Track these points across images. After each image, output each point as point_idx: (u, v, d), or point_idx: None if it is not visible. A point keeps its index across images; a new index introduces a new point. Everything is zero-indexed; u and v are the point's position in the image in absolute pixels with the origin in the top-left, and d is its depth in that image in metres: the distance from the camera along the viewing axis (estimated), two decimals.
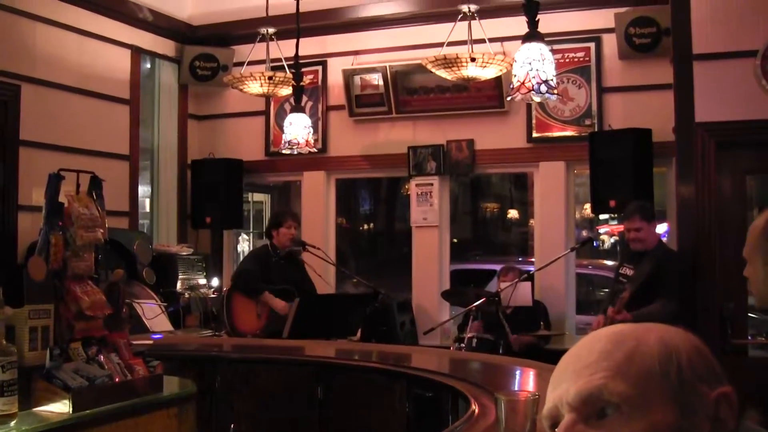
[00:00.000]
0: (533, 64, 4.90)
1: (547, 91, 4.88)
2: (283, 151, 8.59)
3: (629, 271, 7.24)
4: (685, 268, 7.33)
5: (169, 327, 7.58)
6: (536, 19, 5.11)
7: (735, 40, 7.19)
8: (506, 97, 5.18)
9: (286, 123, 8.33)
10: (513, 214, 20.72)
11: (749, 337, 7.29)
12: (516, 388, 4.26)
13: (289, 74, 8.53)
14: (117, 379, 3.91)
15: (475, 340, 7.78)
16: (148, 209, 10.47)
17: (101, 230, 4.05)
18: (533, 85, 4.85)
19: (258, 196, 12.48)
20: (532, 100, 5.11)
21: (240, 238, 12.02)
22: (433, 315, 9.35)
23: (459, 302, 8.63)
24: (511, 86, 5.03)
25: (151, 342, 5.98)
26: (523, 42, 5.07)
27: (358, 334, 8.15)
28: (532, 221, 11.24)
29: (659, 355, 1.39)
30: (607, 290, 8.96)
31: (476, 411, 3.50)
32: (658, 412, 1.35)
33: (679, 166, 7.48)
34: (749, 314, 7.50)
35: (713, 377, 1.40)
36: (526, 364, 5.25)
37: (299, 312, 7.24)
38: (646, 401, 1.35)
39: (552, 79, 4.95)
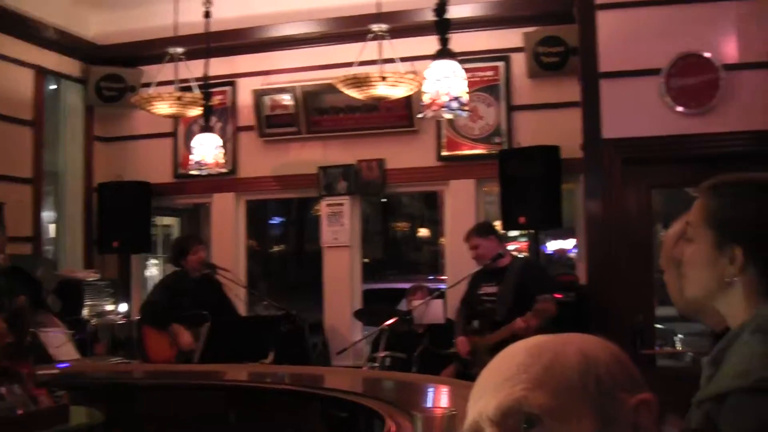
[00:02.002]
0: (444, 81, 4.91)
1: (458, 108, 4.89)
2: (192, 172, 8.49)
3: (492, 288, 7.36)
4: (549, 273, 8.00)
5: (76, 355, 7.37)
6: (447, 36, 5.11)
7: (640, 59, 7.34)
8: (418, 114, 5.17)
9: (195, 143, 8.22)
10: (424, 232, 20.82)
11: (657, 347, 7.41)
12: (430, 406, 4.23)
13: (198, 94, 8.44)
14: (20, 412, 3.79)
15: (388, 359, 7.75)
16: (53, 234, 10.25)
17: (2, 256, 3.94)
18: (445, 102, 4.84)
19: (167, 220, 12.32)
20: (443, 116, 5.11)
21: (148, 262, 11.84)
22: (345, 335, 9.31)
23: (371, 322, 8.59)
24: (423, 103, 5.02)
25: (57, 371, 5.83)
26: (435, 59, 5.07)
27: (271, 356, 8.07)
28: (442, 239, 11.25)
29: (578, 365, 1.37)
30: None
31: (392, 430, 3.47)
32: (579, 422, 1.33)
33: (587, 182, 7.59)
34: (656, 325, 7.63)
35: (633, 385, 1.39)
36: (439, 381, 5.25)
37: (210, 336, 7.14)
38: (566, 412, 1.34)
39: (463, 96, 4.95)
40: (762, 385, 1.72)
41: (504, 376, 1.38)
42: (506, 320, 6.93)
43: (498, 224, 8.45)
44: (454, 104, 4.84)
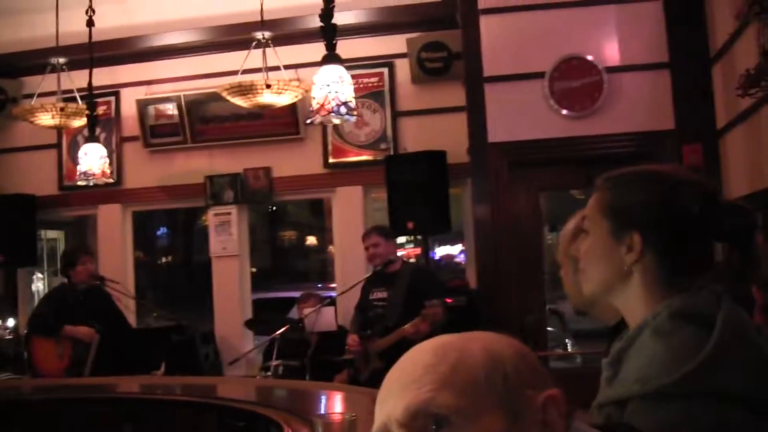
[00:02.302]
0: (332, 86, 4.92)
1: (346, 113, 4.90)
2: (79, 183, 8.38)
3: (382, 294, 7.42)
4: (439, 279, 8.00)
5: None
6: (334, 41, 5.13)
7: (524, 63, 7.45)
8: (306, 120, 5.19)
9: (80, 153, 8.09)
10: (311, 241, 20.83)
11: (548, 350, 7.52)
12: (327, 412, 4.25)
13: (82, 105, 8.33)
14: None
15: (281, 368, 7.74)
16: None
17: None
18: (333, 107, 4.86)
19: (51, 233, 12.13)
20: (332, 121, 5.13)
21: (35, 276, 11.64)
22: (236, 345, 9.26)
23: (263, 331, 8.57)
24: (311, 109, 5.03)
25: None
26: (322, 65, 5.09)
27: (162, 367, 8.00)
28: (331, 247, 11.27)
29: (484, 363, 1.38)
30: None
31: None
32: (487, 421, 1.34)
33: (474, 186, 7.66)
34: (548, 328, 7.75)
35: (540, 381, 1.39)
36: (333, 388, 5.27)
37: (100, 348, 7.07)
38: (474, 411, 1.34)
39: (351, 101, 4.98)
40: (662, 391, 1.73)
41: (411, 377, 1.38)
42: (397, 325, 6.96)
43: None
44: (343, 109, 4.86)
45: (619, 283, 2.07)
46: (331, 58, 5.11)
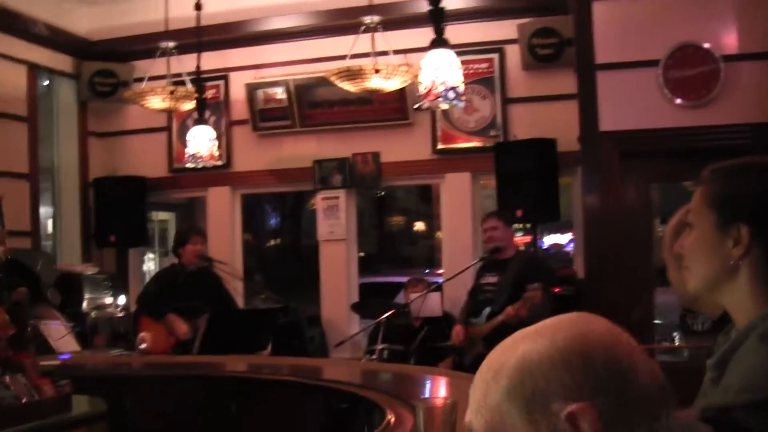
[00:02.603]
0: (440, 71, 4.91)
1: (455, 98, 4.88)
2: (187, 165, 8.51)
3: (493, 279, 7.40)
4: (550, 269, 7.82)
5: (76, 347, 7.40)
6: (442, 26, 5.11)
7: (637, 50, 7.29)
8: (413, 105, 5.18)
9: (189, 136, 8.22)
10: (419, 226, 20.81)
11: (655, 343, 7.40)
12: (429, 396, 4.24)
13: (191, 88, 8.45)
14: (24, 400, 3.80)
15: (386, 352, 7.76)
16: (50, 229, 10.27)
17: (2, 248, 3.95)
18: (441, 92, 4.84)
19: (163, 215, 12.34)
20: (440, 106, 5.12)
21: (145, 257, 11.85)
22: (342, 328, 9.31)
23: (368, 314, 8.60)
24: (419, 93, 5.02)
25: (58, 362, 5.84)
26: (430, 49, 5.07)
27: (268, 348, 8.08)
28: (438, 233, 11.26)
29: (508, 383, 1.34)
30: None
31: (392, 420, 3.47)
32: None
33: (585, 175, 7.56)
34: (655, 321, 7.63)
35: (574, 391, 1.31)
36: (437, 373, 5.26)
37: (209, 328, 7.17)
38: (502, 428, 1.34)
39: (460, 86, 4.96)
40: None
41: (473, 387, 1.40)
42: (502, 311, 6.95)
43: None
44: (451, 94, 4.84)
45: (726, 279, 2.01)
46: (439, 42, 5.09)
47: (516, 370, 1.35)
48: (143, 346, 6.71)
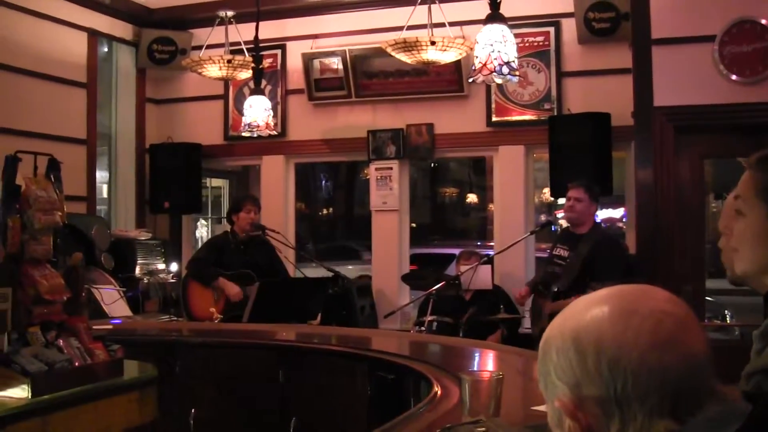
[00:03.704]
0: (495, 46, 4.91)
1: (509, 73, 4.89)
2: (243, 134, 8.57)
3: (564, 252, 7.35)
4: (622, 254, 7.54)
5: (128, 312, 7.51)
6: (498, 0, 5.10)
7: (693, 26, 7.23)
8: (468, 79, 5.18)
9: (246, 106, 8.28)
10: (472, 198, 20.77)
11: (706, 320, 7.36)
12: (477, 369, 4.26)
13: (248, 57, 8.50)
14: (77, 364, 3.87)
15: (435, 324, 7.78)
16: (105, 194, 10.39)
17: (59, 213, 4.01)
18: (495, 67, 4.85)
19: (216, 182, 12.41)
20: (494, 81, 5.11)
21: (198, 223, 11.94)
22: (392, 299, 9.35)
23: (419, 286, 8.64)
24: (473, 68, 5.03)
25: (110, 327, 5.94)
26: (485, 23, 5.07)
27: (318, 318, 8.13)
28: (491, 206, 11.25)
29: (540, 354, 1.47)
30: None
31: (439, 392, 3.51)
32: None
33: (638, 150, 7.52)
34: (707, 298, 7.59)
35: (576, 382, 1.39)
36: (486, 346, 5.28)
37: (259, 296, 7.22)
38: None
39: (514, 61, 4.96)
40: None
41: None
42: (567, 290, 6.87)
43: (547, 191, 8.42)
44: (505, 69, 4.84)
45: None
46: (494, 17, 5.09)
47: (545, 343, 1.45)
48: None
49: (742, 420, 1.34)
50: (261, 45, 8.46)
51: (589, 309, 1.41)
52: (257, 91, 8.32)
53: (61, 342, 3.89)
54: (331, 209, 21.01)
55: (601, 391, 1.35)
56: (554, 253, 7.47)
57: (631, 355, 1.33)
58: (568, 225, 7.47)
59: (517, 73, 5.05)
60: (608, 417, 1.35)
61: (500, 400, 2.63)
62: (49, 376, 3.66)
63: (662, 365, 1.32)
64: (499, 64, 4.85)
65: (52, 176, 4.12)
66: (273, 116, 8.48)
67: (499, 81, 5.08)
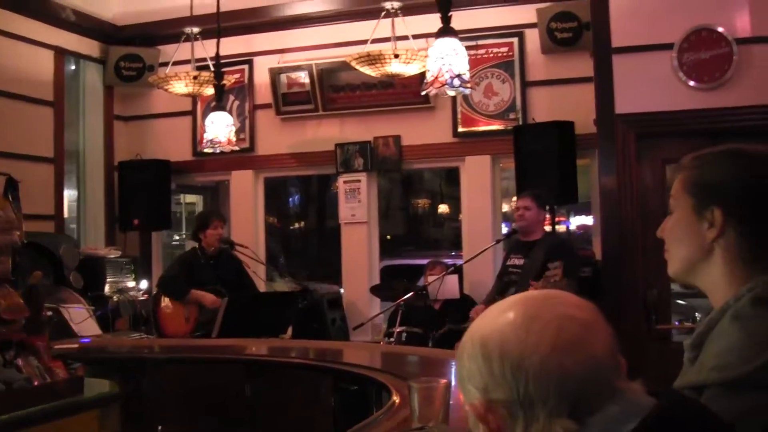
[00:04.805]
0: (446, 59, 4.96)
1: (460, 85, 4.94)
2: (206, 150, 8.58)
3: (519, 261, 7.42)
4: (576, 257, 7.76)
5: (97, 331, 7.49)
6: (449, 15, 5.16)
7: (652, 34, 7.31)
8: (421, 92, 5.24)
9: (207, 122, 8.28)
10: (444, 209, 20.80)
11: (675, 323, 7.42)
12: (435, 378, 4.30)
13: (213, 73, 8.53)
14: (36, 383, 3.88)
15: (404, 335, 7.82)
16: (74, 213, 10.37)
17: (18, 233, 4.02)
18: (447, 80, 4.90)
19: (190, 198, 12.44)
20: (446, 93, 5.17)
21: (172, 240, 11.95)
22: (363, 311, 9.39)
23: (388, 297, 8.68)
24: (425, 81, 5.09)
25: (77, 346, 5.95)
26: (437, 37, 5.13)
27: (289, 332, 8.16)
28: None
29: (457, 362, 1.56)
30: None
31: (397, 401, 3.55)
32: None
33: (601, 157, 7.58)
34: (678, 301, 7.66)
35: (482, 382, 1.47)
36: (453, 355, 5.30)
37: (228, 312, 7.24)
38: None
39: (465, 74, 5.01)
40: (738, 380, 1.73)
41: None
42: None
43: (515, 200, 8.47)
44: (456, 81, 4.90)
45: (702, 262, 2.06)
46: (445, 30, 5.14)
47: (459, 350, 1.52)
48: None
49: (643, 416, 1.39)
50: (227, 60, 8.53)
51: (498, 316, 1.47)
52: (219, 107, 8.33)
53: (20, 361, 3.89)
54: (302, 223, 21.01)
55: (507, 395, 1.40)
56: (508, 263, 7.54)
57: (532, 359, 1.38)
58: (519, 235, 7.52)
59: (469, 85, 5.10)
60: (514, 419, 1.41)
61: (448, 406, 2.67)
62: (7, 396, 3.66)
63: (562, 368, 1.37)
64: (451, 77, 4.90)
65: (9, 195, 4.14)
66: (241, 132, 8.51)
67: (451, 93, 5.14)
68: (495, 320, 1.47)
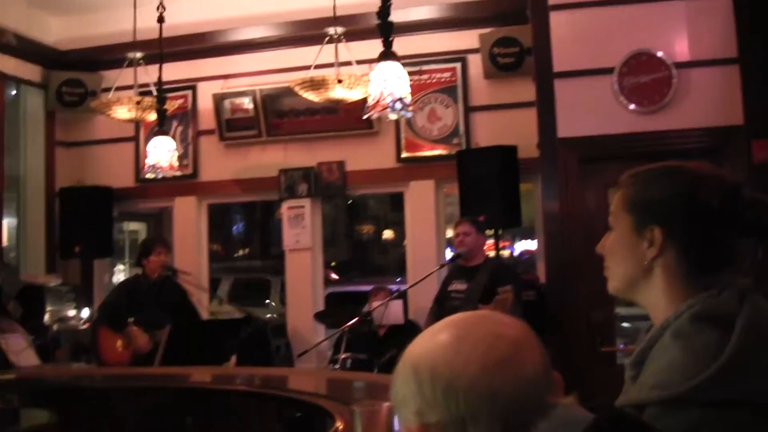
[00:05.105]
0: (388, 83, 4.95)
1: (402, 109, 4.93)
2: (147, 175, 8.52)
3: (461, 286, 7.42)
4: (519, 279, 7.75)
5: (36, 361, 7.38)
6: (390, 39, 5.16)
7: (593, 58, 7.37)
8: (363, 115, 5.23)
9: (149, 147, 8.19)
10: (388, 234, 20.87)
11: (621, 346, 7.44)
12: (367, 401, 4.28)
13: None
14: None
15: (349, 361, 7.79)
16: (14, 240, 10.23)
17: None
18: (389, 103, 4.90)
19: (133, 225, 12.35)
20: (388, 117, 5.16)
21: (116, 268, 11.84)
22: (308, 337, 9.31)
23: (332, 323, 8.63)
24: (367, 105, 5.08)
25: (14, 376, 5.85)
26: (378, 61, 5.12)
27: (233, 360, 8.09)
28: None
29: (392, 386, 1.55)
30: None
31: (340, 427, 3.51)
32: None
33: (544, 181, 7.61)
34: (624, 324, 7.68)
35: (418, 409, 1.46)
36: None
37: (171, 340, 7.17)
38: None
39: (406, 97, 5.01)
40: (679, 398, 1.73)
41: None
42: None
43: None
44: (398, 105, 4.89)
45: (642, 280, 2.06)
46: (386, 54, 5.14)
47: (394, 374, 1.51)
48: None
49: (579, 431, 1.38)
50: (171, 86, 8.49)
51: (429, 339, 1.46)
52: (161, 132, 8.25)
53: None
54: (247, 249, 20.96)
55: (440, 416, 1.39)
56: (450, 288, 7.54)
57: (463, 379, 1.38)
58: (460, 260, 7.52)
59: (411, 108, 5.09)
60: None
61: (392, 429, 2.66)
62: None
63: (492, 388, 1.37)
64: (393, 100, 4.89)
65: None
66: (185, 157, 8.44)
67: (393, 117, 5.12)
68: (426, 343, 1.46)
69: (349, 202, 18.16)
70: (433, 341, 1.46)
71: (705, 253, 1.99)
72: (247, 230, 21.13)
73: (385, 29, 5.12)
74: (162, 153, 8.03)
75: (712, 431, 1.71)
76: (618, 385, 2.05)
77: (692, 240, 1.99)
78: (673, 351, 1.85)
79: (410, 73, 5.44)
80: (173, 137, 9.15)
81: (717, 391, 1.72)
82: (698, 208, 1.98)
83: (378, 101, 4.91)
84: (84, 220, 9.77)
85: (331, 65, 8.14)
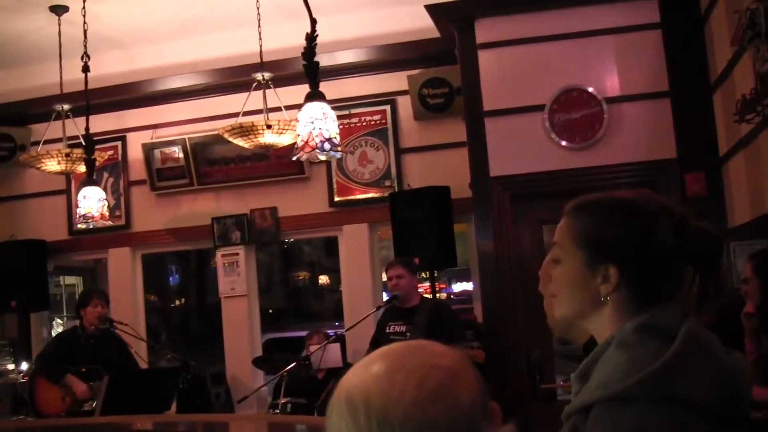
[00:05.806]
0: (316, 123, 4.97)
1: (331, 149, 4.95)
2: (79, 226, 8.45)
3: (401, 327, 7.44)
4: (457, 317, 7.90)
5: None
6: (317, 80, 5.19)
7: (523, 96, 7.46)
8: (292, 157, 5.23)
9: (80, 197, 8.14)
10: (324, 280, 20.87)
11: (560, 382, 7.47)
12: None
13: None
14: None
15: (289, 405, 7.77)
16: None
17: None
18: (317, 144, 4.91)
19: (70, 279, 12.25)
20: (318, 158, 5.17)
21: (54, 322, 11.71)
22: (247, 384, 9.27)
23: (271, 369, 8.59)
24: (296, 146, 5.09)
25: None
26: (305, 102, 5.14)
27: (173, 408, 8.02)
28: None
29: (326, 420, 1.50)
30: None
31: None
32: None
33: (477, 220, 7.64)
34: (564, 360, 7.72)
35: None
36: None
37: (109, 390, 7.09)
38: None
39: (335, 137, 5.03)
40: (620, 395, 1.75)
41: None
42: None
43: None
44: (327, 145, 4.91)
45: (591, 311, 2.08)
46: (314, 95, 5.15)
47: (329, 407, 1.48)
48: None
49: None
50: (100, 137, 8.45)
51: (362, 370, 1.46)
52: (90, 182, 8.20)
53: None
54: (183, 299, 20.85)
55: None
56: (389, 331, 7.52)
57: (397, 410, 1.37)
58: (396, 302, 7.51)
59: (340, 148, 5.12)
60: None
61: None
62: None
63: (427, 418, 1.37)
64: (321, 141, 4.91)
65: None
66: (114, 208, 8.40)
67: (322, 157, 5.12)
68: (360, 375, 1.45)
69: (285, 249, 18.10)
70: (366, 372, 1.45)
71: (657, 285, 2.02)
72: (182, 279, 21.00)
73: (311, 69, 5.15)
74: (92, 203, 7.97)
75: (649, 428, 1.73)
76: (559, 421, 2.07)
77: (646, 275, 2.01)
78: (616, 358, 1.87)
79: (340, 117, 5.50)
80: (104, 188, 9.14)
81: (656, 387, 1.73)
82: (653, 247, 2.00)
83: (306, 142, 4.92)
84: (19, 274, 9.69)
85: (259, 111, 8.16)
